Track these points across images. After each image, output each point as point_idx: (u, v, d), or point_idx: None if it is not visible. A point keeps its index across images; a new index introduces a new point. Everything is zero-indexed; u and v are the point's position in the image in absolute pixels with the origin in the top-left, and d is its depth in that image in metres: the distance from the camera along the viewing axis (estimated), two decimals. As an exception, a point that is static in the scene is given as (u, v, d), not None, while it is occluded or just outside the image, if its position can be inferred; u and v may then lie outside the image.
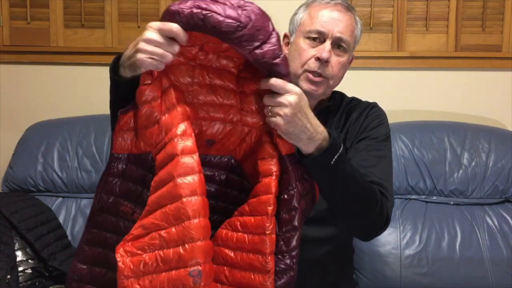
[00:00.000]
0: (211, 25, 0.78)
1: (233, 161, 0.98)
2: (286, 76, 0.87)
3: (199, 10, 0.78)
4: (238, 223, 0.89)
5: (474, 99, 2.06)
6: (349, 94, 1.35)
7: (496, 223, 1.77)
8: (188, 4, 0.78)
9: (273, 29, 0.83)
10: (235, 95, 0.93)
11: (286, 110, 0.86)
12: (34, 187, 1.84)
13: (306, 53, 1.16)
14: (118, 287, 0.81)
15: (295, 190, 0.89)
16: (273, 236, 0.86)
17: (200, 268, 0.76)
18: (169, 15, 0.80)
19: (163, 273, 0.78)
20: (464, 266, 1.70)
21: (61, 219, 1.77)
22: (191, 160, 0.80)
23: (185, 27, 0.79)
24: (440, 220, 1.77)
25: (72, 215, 1.82)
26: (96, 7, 2.06)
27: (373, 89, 2.04)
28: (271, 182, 0.87)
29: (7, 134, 2.07)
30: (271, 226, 0.85)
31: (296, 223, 0.88)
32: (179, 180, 0.78)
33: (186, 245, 0.77)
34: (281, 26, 1.80)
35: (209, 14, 0.77)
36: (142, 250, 0.80)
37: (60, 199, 1.85)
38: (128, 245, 0.81)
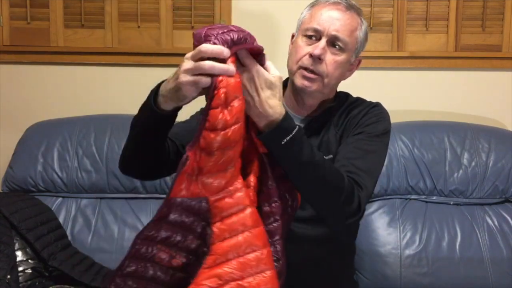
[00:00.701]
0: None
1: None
2: None
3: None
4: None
5: (474, 99, 2.06)
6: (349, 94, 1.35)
7: (496, 223, 1.77)
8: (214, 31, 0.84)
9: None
10: None
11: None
12: (34, 187, 1.84)
13: (302, 50, 1.16)
14: None
15: (273, 185, 0.90)
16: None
17: None
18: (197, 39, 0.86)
19: None
20: (464, 266, 1.70)
21: (61, 219, 1.77)
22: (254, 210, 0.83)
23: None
24: (440, 220, 1.77)
25: (72, 215, 1.81)
26: (96, 7, 2.06)
27: (373, 89, 2.04)
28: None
29: (7, 134, 2.07)
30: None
31: (277, 216, 0.89)
32: (254, 230, 0.81)
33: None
34: (281, 25, 1.81)
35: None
36: None
37: (60, 199, 1.85)
38: None
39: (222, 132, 0.80)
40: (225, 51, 0.82)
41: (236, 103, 0.81)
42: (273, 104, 0.90)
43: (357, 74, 2.03)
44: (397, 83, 2.07)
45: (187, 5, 2.05)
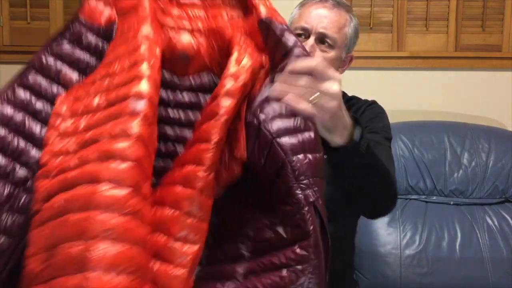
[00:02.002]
0: None
1: (215, 79, 0.81)
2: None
3: None
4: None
5: (474, 99, 2.06)
6: (349, 94, 1.35)
7: (496, 223, 1.77)
8: None
9: None
10: None
11: (333, 104, 0.73)
12: (34, 187, 1.84)
13: None
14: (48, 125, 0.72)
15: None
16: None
17: (143, 101, 0.66)
18: None
19: (103, 111, 0.68)
20: (464, 266, 1.70)
21: (61, 219, 1.77)
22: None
23: None
24: (440, 220, 1.77)
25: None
26: (96, 7, 2.06)
27: (373, 89, 2.04)
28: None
29: (7, 134, 2.07)
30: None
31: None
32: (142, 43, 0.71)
33: (135, 82, 0.67)
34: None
35: None
36: (86, 95, 0.72)
37: (60, 199, 1.85)
38: (69, 93, 0.73)
39: None
40: None
41: None
42: (347, 114, 0.81)
43: (357, 74, 2.05)
44: (397, 83, 2.07)
45: (187, 5, 2.05)
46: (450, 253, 1.72)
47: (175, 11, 0.81)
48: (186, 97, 0.81)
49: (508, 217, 1.78)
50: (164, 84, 0.79)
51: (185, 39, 0.79)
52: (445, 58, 2.05)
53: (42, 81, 0.76)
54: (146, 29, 0.73)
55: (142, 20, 0.75)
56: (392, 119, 1.26)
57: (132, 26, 0.76)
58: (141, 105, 0.66)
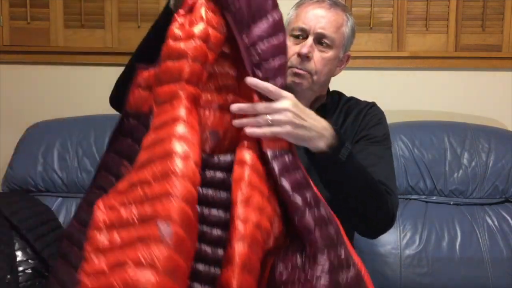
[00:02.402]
0: None
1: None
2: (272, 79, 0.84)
3: None
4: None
5: (474, 99, 2.06)
6: (349, 94, 1.35)
7: (496, 223, 1.77)
8: None
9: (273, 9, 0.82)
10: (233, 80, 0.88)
11: (289, 114, 0.84)
12: (34, 187, 1.84)
13: (290, 50, 1.15)
14: (86, 236, 0.76)
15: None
16: None
17: (171, 226, 0.70)
18: None
19: (135, 229, 0.73)
20: (464, 266, 1.70)
21: (61, 219, 1.77)
22: (190, 129, 0.77)
23: None
24: (440, 220, 1.77)
25: (72, 215, 1.81)
26: (96, 7, 2.06)
27: (373, 89, 2.04)
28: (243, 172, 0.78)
29: (7, 134, 2.07)
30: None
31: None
32: (174, 141, 0.75)
33: (164, 200, 0.71)
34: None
35: None
36: (121, 204, 0.76)
37: (60, 199, 1.85)
38: (109, 198, 0.78)
39: (181, 42, 0.79)
40: None
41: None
42: (319, 118, 0.91)
43: (357, 74, 2.05)
44: (397, 83, 2.07)
45: (187, 5, 2.05)
46: (450, 253, 1.72)
47: (210, 86, 0.84)
48: (215, 175, 0.83)
49: (508, 217, 1.78)
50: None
51: (216, 116, 0.83)
52: (445, 58, 2.05)
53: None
54: (181, 129, 0.76)
55: (176, 118, 0.77)
56: (392, 119, 1.26)
57: (166, 122, 0.77)
58: (168, 232, 0.69)
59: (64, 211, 1.82)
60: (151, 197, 0.73)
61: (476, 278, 1.69)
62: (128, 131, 0.85)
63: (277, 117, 0.83)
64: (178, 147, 0.74)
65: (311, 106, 1.22)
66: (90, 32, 2.07)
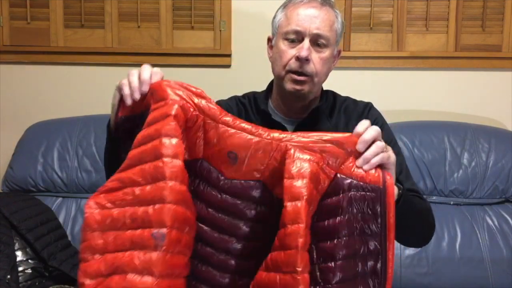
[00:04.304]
0: None
1: (263, 188, 0.85)
2: None
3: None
4: (270, 260, 0.77)
5: (474, 99, 2.06)
6: (349, 94, 1.34)
7: (496, 223, 1.77)
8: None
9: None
10: None
11: (393, 156, 0.89)
12: (34, 187, 1.84)
13: (287, 54, 1.14)
14: (81, 238, 0.78)
15: (346, 215, 0.79)
16: (306, 275, 0.73)
17: (164, 231, 0.72)
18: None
19: (129, 231, 0.75)
20: (464, 266, 1.70)
21: (61, 219, 1.77)
22: (177, 126, 0.79)
23: None
24: (440, 220, 1.77)
25: (72, 215, 1.81)
26: (96, 7, 2.06)
27: (373, 89, 2.04)
28: (301, 207, 0.74)
29: (7, 134, 2.07)
30: (302, 263, 0.73)
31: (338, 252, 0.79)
32: (165, 140, 0.76)
33: (156, 205, 0.74)
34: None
35: None
36: (113, 204, 0.78)
37: (60, 199, 1.85)
38: (100, 197, 0.79)
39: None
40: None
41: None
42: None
43: (357, 74, 2.05)
44: (397, 83, 2.07)
45: (187, 5, 2.05)
46: (450, 253, 1.72)
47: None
48: (229, 201, 0.85)
49: (508, 217, 1.78)
50: (210, 183, 0.85)
51: (240, 138, 0.83)
52: (445, 58, 2.05)
53: None
54: (170, 126, 0.78)
55: (167, 114, 0.79)
56: (392, 119, 1.26)
57: (158, 130, 0.79)
58: (162, 237, 0.72)
59: (64, 211, 1.82)
60: (143, 200, 0.75)
61: (476, 278, 1.69)
62: (125, 134, 0.88)
63: (387, 155, 0.87)
64: (167, 147, 0.76)
65: (305, 109, 1.21)
66: (90, 32, 2.07)
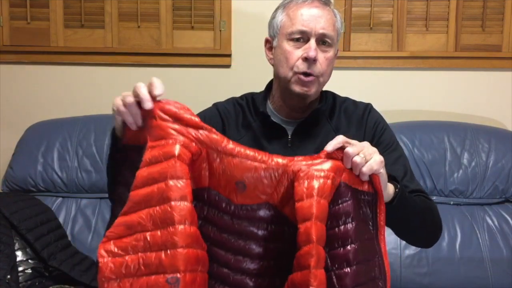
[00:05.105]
0: None
1: (271, 208, 0.88)
2: None
3: None
4: (290, 280, 0.79)
5: (474, 99, 2.06)
6: (349, 94, 1.33)
7: (496, 223, 1.77)
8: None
9: None
10: None
11: (371, 150, 0.85)
12: (34, 187, 1.84)
13: (293, 55, 1.14)
14: None
15: (353, 224, 0.81)
16: None
17: (178, 276, 0.74)
18: None
19: (144, 277, 0.76)
20: (464, 266, 1.70)
21: (61, 219, 1.77)
22: (184, 167, 0.78)
23: None
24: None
25: (72, 215, 1.82)
26: (96, 7, 2.06)
27: (373, 89, 2.05)
28: (311, 227, 0.76)
29: (7, 134, 2.07)
30: (316, 281, 0.75)
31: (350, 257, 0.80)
32: (171, 182, 0.76)
33: (168, 251, 0.75)
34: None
35: None
36: (124, 251, 0.78)
37: (60, 199, 1.85)
38: (110, 245, 0.79)
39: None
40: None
41: None
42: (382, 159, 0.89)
43: (357, 74, 2.06)
44: (397, 83, 2.07)
45: (187, 5, 2.05)
46: (450, 253, 1.72)
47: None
48: (241, 225, 0.86)
49: (508, 217, 1.78)
50: (220, 210, 0.86)
51: (246, 167, 0.84)
52: (445, 58, 2.05)
53: None
54: (176, 167, 0.78)
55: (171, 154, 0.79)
56: (392, 119, 1.26)
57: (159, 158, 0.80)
58: (177, 281, 0.74)
59: (64, 211, 1.82)
60: (154, 245, 0.76)
61: (476, 278, 1.69)
62: (129, 163, 0.86)
63: (373, 158, 0.85)
64: (174, 190, 0.76)
65: (305, 110, 1.21)
66: (90, 32, 2.07)
